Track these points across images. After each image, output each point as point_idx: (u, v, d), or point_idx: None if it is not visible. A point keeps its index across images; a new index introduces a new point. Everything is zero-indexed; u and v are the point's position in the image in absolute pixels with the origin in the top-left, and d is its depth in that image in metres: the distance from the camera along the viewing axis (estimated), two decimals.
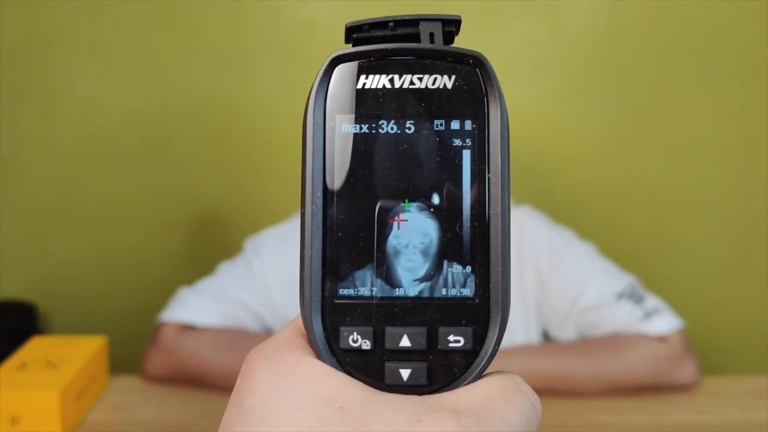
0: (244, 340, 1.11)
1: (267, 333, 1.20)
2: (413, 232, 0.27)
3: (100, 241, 1.82)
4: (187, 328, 1.12)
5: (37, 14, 1.72)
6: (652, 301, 1.14)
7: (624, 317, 1.12)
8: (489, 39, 1.74)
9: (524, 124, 1.81)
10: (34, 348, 1.06)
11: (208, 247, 1.83)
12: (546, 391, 1.08)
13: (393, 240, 0.27)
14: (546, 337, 1.22)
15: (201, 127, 1.77)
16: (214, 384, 1.08)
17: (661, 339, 1.11)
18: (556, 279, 1.16)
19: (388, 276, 0.27)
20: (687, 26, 1.73)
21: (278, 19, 1.74)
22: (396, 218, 0.27)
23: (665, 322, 1.12)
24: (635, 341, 1.10)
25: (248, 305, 1.16)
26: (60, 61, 1.73)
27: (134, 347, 1.56)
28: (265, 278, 1.17)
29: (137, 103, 1.76)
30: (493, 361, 0.28)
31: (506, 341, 1.21)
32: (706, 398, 1.10)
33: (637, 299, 1.13)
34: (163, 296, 1.76)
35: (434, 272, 0.27)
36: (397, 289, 0.27)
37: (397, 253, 0.27)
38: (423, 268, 0.27)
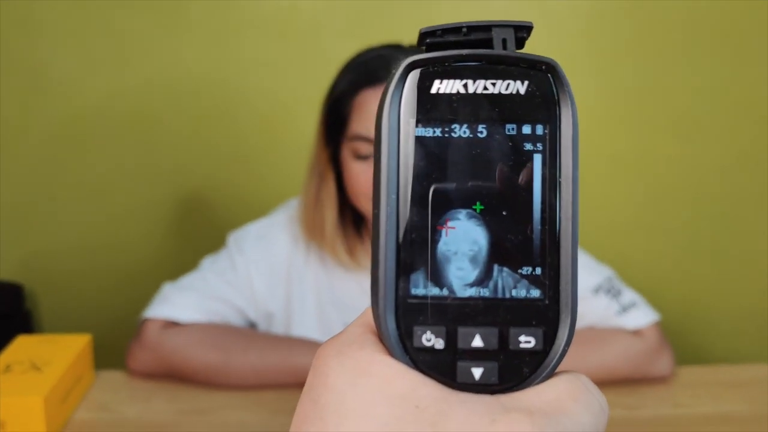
0: (228, 336, 1.12)
1: (250, 328, 1.22)
2: (481, 235, 0.28)
3: (85, 221, 1.82)
4: (171, 325, 1.13)
5: None
6: (628, 295, 1.16)
7: (601, 311, 1.14)
8: (472, 17, 1.72)
9: None
10: (18, 349, 1.07)
11: (194, 226, 1.83)
12: None
13: (459, 245, 0.28)
14: None
15: (185, 106, 1.76)
16: (198, 380, 1.10)
17: (637, 333, 1.13)
18: None
19: (459, 276, 0.28)
20: (670, 7, 1.72)
21: None
22: (460, 221, 0.28)
23: (641, 316, 1.13)
24: (612, 336, 1.12)
25: (231, 301, 1.17)
26: (42, 42, 1.71)
27: (122, 325, 1.58)
28: (247, 273, 1.18)
29: (121, 83, 1.75)
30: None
31: None
32: (680, 390, 1.12)
33: (614, 293, 1.15)
34: (150, 274, 1.78)
35: (506, 273, 0.28)
36: (469, 288, 0.28)
37: (467, 254, 0.28)
38: (494, 269, 0.28)
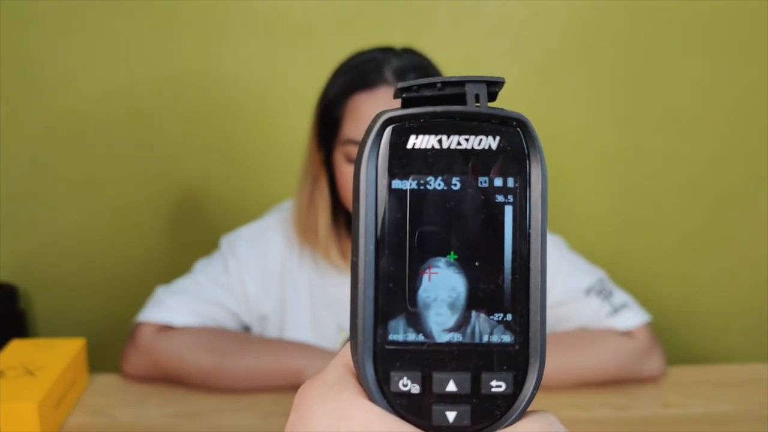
0: (222, 339, 1.13)
1: (244, 331, 1.22)
2: (459, 283, 0.29)
3: (78, 219, 1.82)
4: (165, 329, 1.14)
5: None
6: (620, 296, 1.17)
7: (592, 312, 1.14)
8: (466, 15, 1.72)
9: (500, 100, 1.80)
10: (12, 354, 1.07)
11: (188, 226, 1.83)
12: None
13: (438, 292, 0.29)
14: None
15: (178, 105, 1.76)
16: (192, 383, 1.11)
17: (628, 334, 1.14)
18: None
19: (438, 322, 0.29)
20: (663, 5, 1.72)
21: None
22: (439, 269, 0.29)
23: (632, 317, 1.14)
24: (603, 337, 1.13)
25: (224, 304, 1.17)
26: (33, 40, 1.71)
27: (117, 326, 1.58)
28: (240, 277, 1.18)
29: (112, 82, 1.74)
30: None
31: None
32: (671, 391, 1.13)
33: (606, 294, 1.16)
34: (142, 274, 1.79)
35: (478, 321, 0.29)
36: (445, 334, 0.29)
37: (446, 300, 0.29)
38: (471, 315, 0.29)
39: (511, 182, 0.29)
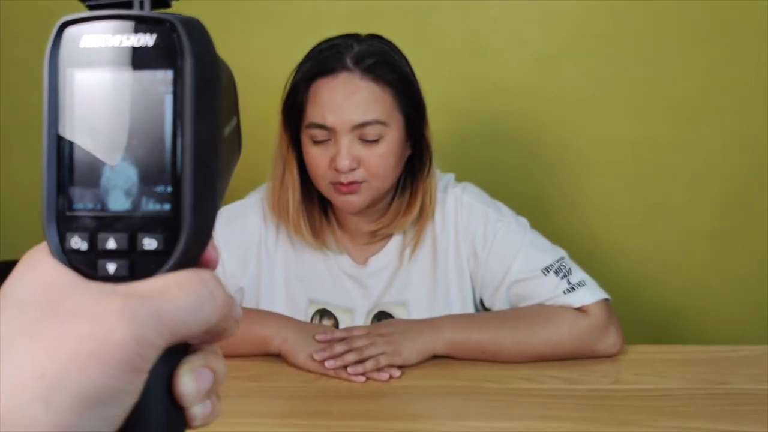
0: None
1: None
2: (127, 161, 0.35)
3: None
4: None
5: None
6: (578, 274, 1.20)
7: (550, 290, 1.18)
8: (474, 5, 1.75)
9: (508, 90, 1.83)
10: None
11: None
12: (473, 359, 1.16)
13: (113, 169, 0.35)
14: (483, 307, 1.28)
15: None
16: None
17: (584, 310, 1.17)
18: (489, 253, 1.22)
19: (106, 194, 0.36)
20: None
21: None
22: (108, 159, 0.35)
23: (588, 295, 1.17)
24: (558, 313, 1.16)
25: None
26: (42, 39, 1.77)
27: None
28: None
29: None
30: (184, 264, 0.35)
31: (443, 311, 1.26)
32: (625, 368, 1.16)
33: (565, 273, 1.19)
34: None
35: (143, 191, 0.35)
36: (113, 203, 0.35)
37: (115, 176, 0.35)
38: (135, 188, 0.35)
39: (169, 75, 0.35)
